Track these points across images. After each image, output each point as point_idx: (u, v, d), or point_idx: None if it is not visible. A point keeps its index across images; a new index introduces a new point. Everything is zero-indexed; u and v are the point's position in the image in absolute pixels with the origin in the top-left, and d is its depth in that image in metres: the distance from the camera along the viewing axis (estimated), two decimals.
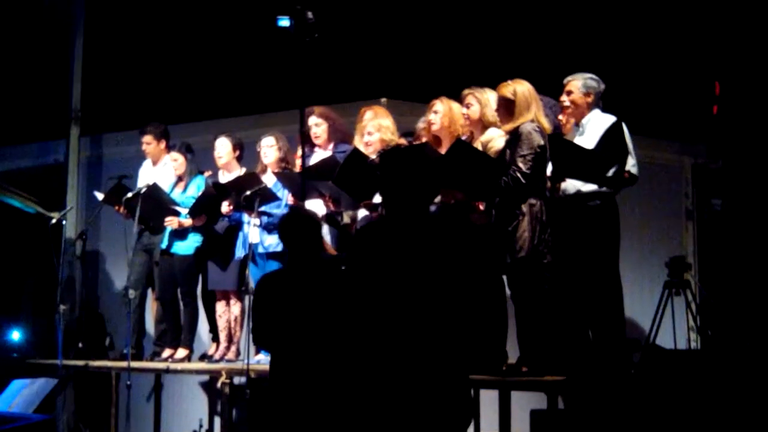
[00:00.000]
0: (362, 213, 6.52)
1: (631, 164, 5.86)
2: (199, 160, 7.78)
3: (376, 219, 5.75)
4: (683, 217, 9.63)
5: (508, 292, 5.76)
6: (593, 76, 5.92)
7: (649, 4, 9.03)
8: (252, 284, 7.12)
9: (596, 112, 5.90)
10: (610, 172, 5.53)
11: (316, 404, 4.43)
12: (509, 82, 5.75)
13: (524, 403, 5.85)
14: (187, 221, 7.40)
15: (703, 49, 9.06)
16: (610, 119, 5.78)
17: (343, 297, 4.20)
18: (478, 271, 3.65)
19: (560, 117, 6.10)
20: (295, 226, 4.66)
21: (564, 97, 5.96)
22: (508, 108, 5.70)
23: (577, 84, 5.91)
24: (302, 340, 4.52)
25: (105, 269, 9.53)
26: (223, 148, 7.46)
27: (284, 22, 5.27)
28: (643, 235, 9.04)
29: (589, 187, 5.69)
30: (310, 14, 5.27)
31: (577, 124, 5.94)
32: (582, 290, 5.69)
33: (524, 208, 5.52)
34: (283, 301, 4.59)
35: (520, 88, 5.69)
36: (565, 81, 5.97)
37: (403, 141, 6.59)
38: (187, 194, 7.56)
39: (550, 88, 6.14)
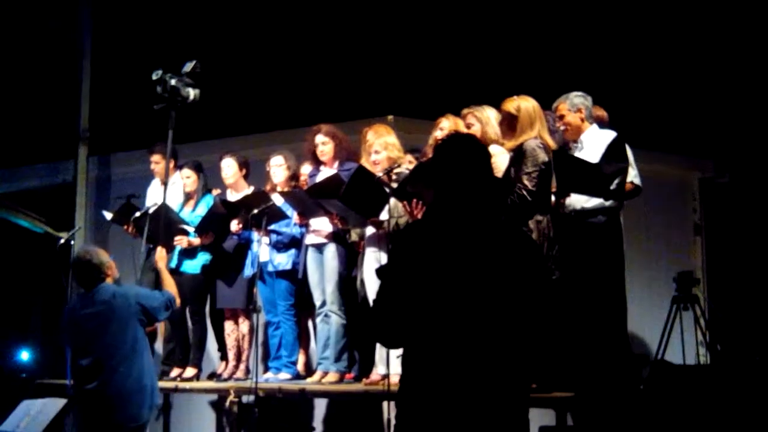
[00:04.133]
0: (370, 230, 6.53)
1: (633, 175, 5.88)
2: (208, 179, 7.80)
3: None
4: (691, 232, 9.62)
5: None
6: (577, 93, 5.93)
7: (657, 20, 9.04)
8: (260, 302, 7.14)
9: (594, 128, 5.92)
10: (613, 185, 5.53)
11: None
12: (514, 98, 5.76)
13: (533, 420, 5.80)
14: (196, 240, 7.42)
15: (711, 63, 9.07)
16: (608, 134, 5.79)
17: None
18: (544, 281, 3.29)
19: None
20: (78, 267, 5.82)
21: (559, 123, 5.97)
22: (511, 124, 5.70)
23: (565, 105, 5.92)
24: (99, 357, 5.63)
25: None
26: (230, 168, 7.48)
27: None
28: (651, 250, 9.02)
29: (594, 201, 5.69)
30: (159, 88, 6.44)
31: (576, 141, 5.94)
32: (586, 306, 5.67)
33: (531, 224, 5.52)
34: (80, 326, 5.75)
35: (524, 105, 5.70)
36: (553, 108, 5.99)
37: (409, 157, 6.62)
38: (197, 213, 7.57)
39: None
